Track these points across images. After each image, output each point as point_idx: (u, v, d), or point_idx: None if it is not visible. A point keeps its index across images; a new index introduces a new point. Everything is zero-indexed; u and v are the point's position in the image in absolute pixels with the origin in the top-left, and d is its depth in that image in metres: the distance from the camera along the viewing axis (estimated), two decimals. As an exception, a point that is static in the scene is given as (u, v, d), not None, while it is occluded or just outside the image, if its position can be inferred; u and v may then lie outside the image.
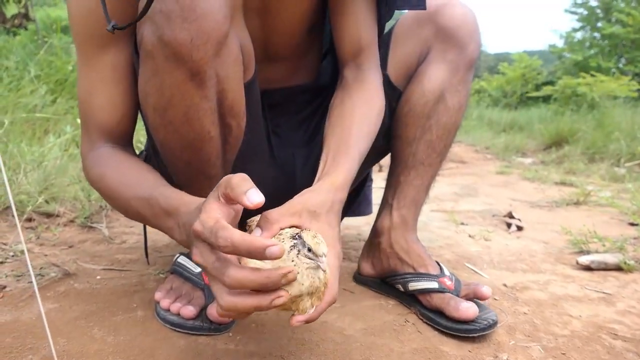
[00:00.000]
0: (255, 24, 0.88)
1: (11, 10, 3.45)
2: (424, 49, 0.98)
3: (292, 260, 0.56)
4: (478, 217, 1.86)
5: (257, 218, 0.67)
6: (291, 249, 0.57)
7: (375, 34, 0.89)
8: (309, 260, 0.56)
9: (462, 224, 1.72)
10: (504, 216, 1.82)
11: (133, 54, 0.79)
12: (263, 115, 1.00)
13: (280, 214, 0.65)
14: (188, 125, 0.75)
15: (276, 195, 1.03)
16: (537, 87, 9.03)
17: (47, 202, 1.26)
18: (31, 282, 0.92)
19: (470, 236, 1.54)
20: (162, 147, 0.82)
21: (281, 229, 0.63)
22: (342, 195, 0.73)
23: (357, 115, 0.83)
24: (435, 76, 0.96)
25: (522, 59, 9.63)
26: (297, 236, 0.58)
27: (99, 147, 0.81)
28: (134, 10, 0.75)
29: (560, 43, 11.17)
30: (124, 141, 0.83)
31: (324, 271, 0.56)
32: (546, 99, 7.83)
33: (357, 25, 0.87)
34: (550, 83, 8.11)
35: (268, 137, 1.02)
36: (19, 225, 0.50)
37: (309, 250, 0.56)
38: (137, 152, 0.90)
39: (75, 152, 1.58)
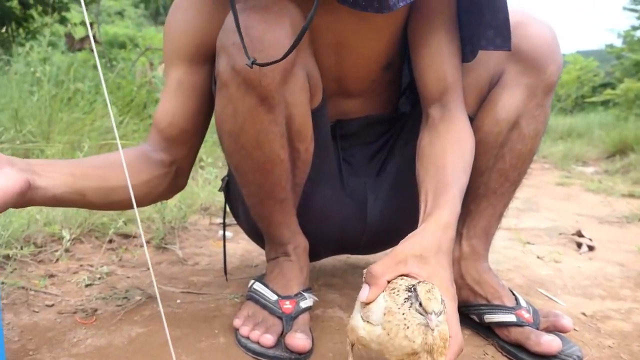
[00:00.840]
0: (330, 60, 0.91)
1: (79, 32, 3.68)
2: (496, 71, 0.93)
3: (404, 314, 0.55)
4: (544, 235, 1.80)
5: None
6: (404, 302, 0.56)
7: (460, 72, 0.88)
8: (419, 316, 0.55)
9: (528, 243, 1.67)
10: (573, 234, 1.75)
11: (212, 85, 0.86)
12: (335, 145, 1.02)
13: (384, 266, 0.66)
14: (259, 149, 0.82)
15: (347, 222, 1.05)
16: (594, 90, 8.60)
17: (125, 223, 1.33)
18: (120, 305, 0.98)
19: (538, 257, 1.49)
20: (236, 170, 0.88)
21: (389, 281, 0.63)
22: (450, 233, 0.73)
23: (450, 154, 0.82)
24: (510, 102, 0.92)
25: (577, 60, 9.20)
26: (412, 288, 0.57)
27: (147, 140, 0.93)
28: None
29: (618, 42, 10.59)
30: (163, 144, 0.91)
31: (432, 330, 0.55)
32: (604, 103, 7.45)
33: (442, 64, 0.86)
34: (609, 85, 7.71)
35: (339, 165, 1.04)
36: (147, 252, 0.54)
37: (420, 305, 0.55)
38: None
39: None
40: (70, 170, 0.75)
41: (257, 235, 1.07)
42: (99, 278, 1.10)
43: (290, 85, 0.79)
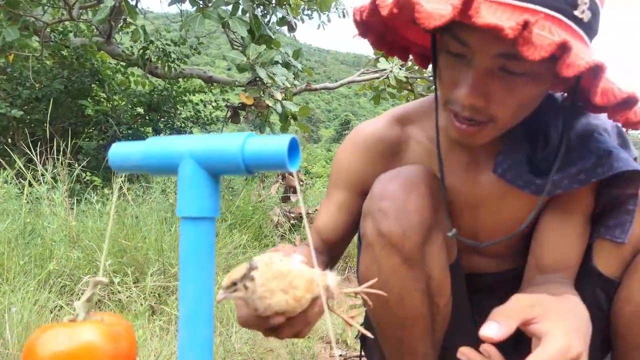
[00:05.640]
0: (467, 221, 0.96)
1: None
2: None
3: None
4: None
5: None
6: None
7: (581, 256, 0.91)
8: None
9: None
10: None
11: (357, 241, 0.95)
12: (468, 298, 1.03)
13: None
14: (401, 305, 0.87)
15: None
16: None
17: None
18: None
19: None
20: (378, 324, 0.92)
21: None
22: None
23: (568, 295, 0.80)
24: None
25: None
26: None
27: (307, 242, 0.97)
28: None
29: None
30: (322, 247, 1.01)
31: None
32: None
33: (568, 247, 0.91)
34: None
35: (473, 317, 1.04)
36: None
37: None
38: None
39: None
40: None
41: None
42: None
43: (430, 245, 0.86)
